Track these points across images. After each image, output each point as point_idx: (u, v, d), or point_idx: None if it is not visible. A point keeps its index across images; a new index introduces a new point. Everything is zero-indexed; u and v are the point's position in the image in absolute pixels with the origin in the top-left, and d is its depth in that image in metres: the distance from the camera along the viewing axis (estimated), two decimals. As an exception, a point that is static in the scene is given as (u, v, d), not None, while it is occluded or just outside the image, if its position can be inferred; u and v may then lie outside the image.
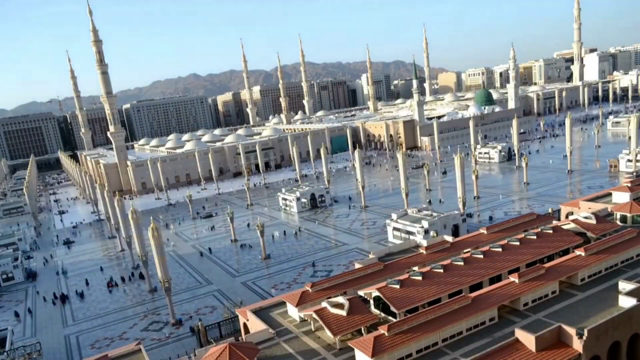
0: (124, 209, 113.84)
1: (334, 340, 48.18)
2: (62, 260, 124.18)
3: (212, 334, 68.08)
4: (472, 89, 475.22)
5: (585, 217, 67.52)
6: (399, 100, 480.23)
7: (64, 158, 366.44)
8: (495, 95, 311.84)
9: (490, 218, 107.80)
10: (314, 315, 50.00)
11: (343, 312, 48.70)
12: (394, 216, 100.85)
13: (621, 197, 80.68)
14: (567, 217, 79.88)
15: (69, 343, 76.47)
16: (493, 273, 57.16)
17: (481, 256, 59.41)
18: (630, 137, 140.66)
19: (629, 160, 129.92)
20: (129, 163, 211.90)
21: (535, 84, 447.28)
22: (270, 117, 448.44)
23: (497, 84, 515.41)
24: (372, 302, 55.38)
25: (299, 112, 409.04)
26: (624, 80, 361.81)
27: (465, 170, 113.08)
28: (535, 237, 63.75)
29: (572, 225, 66.96)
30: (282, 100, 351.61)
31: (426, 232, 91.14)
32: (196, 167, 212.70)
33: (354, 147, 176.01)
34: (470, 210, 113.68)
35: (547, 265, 55.19)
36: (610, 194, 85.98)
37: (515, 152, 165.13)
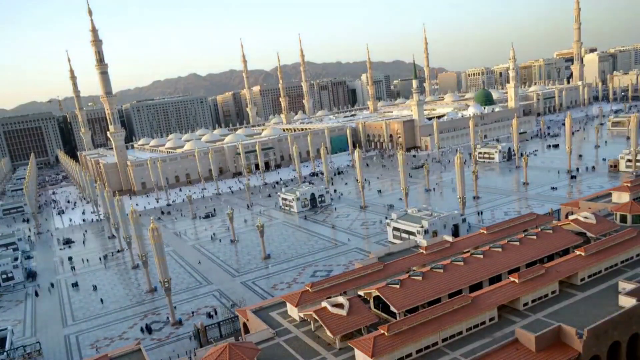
0: (124, 208, 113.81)
1: (333, 340, 48.18)
2: (65, 263, 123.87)
3: (212, 334, 68.12)
4: (472, 89, 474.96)
5: (585, 217, 67.48)
6: (398, 100, 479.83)
7: (64, 158, 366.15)
8: (495, 95, 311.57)
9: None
10: (314, 315, 49.99)
11: (343, 312, 48.68)
12: (394, 216, 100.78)
13: (621, 197, 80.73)
14: (567, 217, 79.87)
15: (69, 343, 76.39)
16: (493, 273, 57.20)
17: (481, 256, 59.41)
18: (630, 137, 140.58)
19: (629, 160, 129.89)
20: (128, 163, 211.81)
21: (535, 84, 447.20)
22: (270, 117, 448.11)
23: (497, 84, 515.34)
24: (372, 302, 55.42)
25: (299, 112, 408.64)
26: (624, 80, 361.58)
27: (465, 171, 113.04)
28: (535, 237, 63.77)
29: (572, 225, 66.98)
30: (282, 100, 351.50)
31: (426, 232, 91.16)
32: (196, 167, 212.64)
33: (354, 147, 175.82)
34: (469, 211, 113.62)
35: (547, 265, 55.22)
36: (610, 194, 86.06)
37: (515, 152, 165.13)
